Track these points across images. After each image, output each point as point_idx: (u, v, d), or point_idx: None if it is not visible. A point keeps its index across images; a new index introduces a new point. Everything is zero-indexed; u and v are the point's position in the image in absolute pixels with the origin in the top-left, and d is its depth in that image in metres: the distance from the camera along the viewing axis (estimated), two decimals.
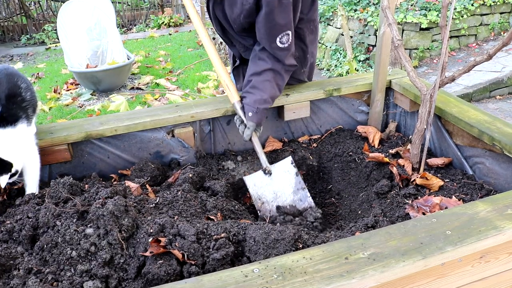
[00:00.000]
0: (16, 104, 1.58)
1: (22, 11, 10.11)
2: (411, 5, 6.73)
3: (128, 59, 5.87)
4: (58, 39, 7.73)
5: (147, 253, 1.22)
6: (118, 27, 7.26)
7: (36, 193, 1.52)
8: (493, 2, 6.77)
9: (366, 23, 6.65)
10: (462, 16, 6.63)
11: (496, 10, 6.93)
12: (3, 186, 1.49)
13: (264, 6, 1.72)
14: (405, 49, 6.43)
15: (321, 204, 2.03)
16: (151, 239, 1.25)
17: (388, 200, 1.73)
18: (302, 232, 1.38)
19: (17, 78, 1.61)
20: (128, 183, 1.67)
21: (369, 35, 6.66)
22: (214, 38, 7.50)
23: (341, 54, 6.94)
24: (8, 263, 1.25)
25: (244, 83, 1.95)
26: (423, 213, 1.57)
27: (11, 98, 1.56)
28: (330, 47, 7.15)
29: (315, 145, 2.15)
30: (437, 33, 6.49)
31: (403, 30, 6.45)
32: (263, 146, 2.09)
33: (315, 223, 1.73)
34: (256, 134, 1.89)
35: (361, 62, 6.62)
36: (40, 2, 10.47)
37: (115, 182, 1.78)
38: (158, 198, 1.56)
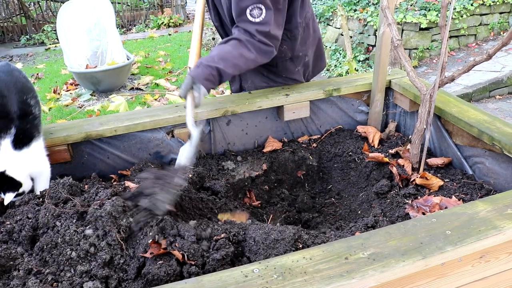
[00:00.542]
0: (29, 123, 1.55)
1: (21, 12, 10.11)
2: (411, 5, 6.74)
3: (128, 60, 5.87)
4: (57, 39, 7.74)
5: (147, 254, 1.22)
6: (117, 28, 7.25)
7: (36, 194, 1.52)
8: (493, 2, 6.78)
9: (365, 23, 6.65)
10: (461, 16, 6.64)
11: (495, 10, 6.93)
12: (6, 203, 1.49)
13: None
14: (405, 49, 6.43)
15: (321, 204, 2.03)
16: (150, 239, 1.25)
17: (388, 200, 1.73)
18: (302, 232, 1.38)
19: (26, 95, 1.56)
20: (128, 183, 1.67)
21: (369, 35, 6.66)
22: (213, 39, 7.50)
23: (340, 54, 6.95)
24: (8, 263, 1.25)
25: None
26: (423, 213, 1.57)
27: (24, 118, 1.53)
28: (330, 47, 7.15)
29: (315, 145, 2.15)
30: (436, 33, 6.50)
31: (402, 30, 6.46)
32: (263, 146, 2.09)
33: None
34: (193, 94, 1.69)
35: (360, 62, 6.62)
36: (40, 3, 10.47)
37: (115, 183, 1.78)
38: None
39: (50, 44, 9.20)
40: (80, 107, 5.35)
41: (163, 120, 1.88)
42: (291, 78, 2.15)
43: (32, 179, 1.60)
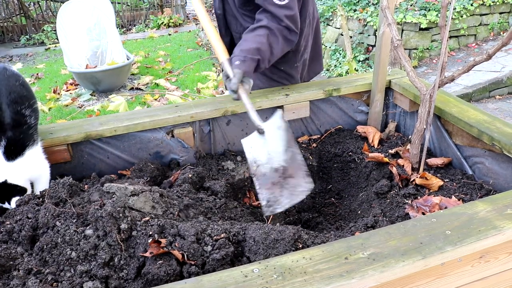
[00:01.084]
0: (22, 133, 1.53)
1: (21, 12, 10.11)
2: (411, 5, 6.74)
3: (128, 60, 5.87)
4: (57, 39, 7.74)
5: (147, 254, 1.22)
6: (117, 28, 7.25)
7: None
8: (493, 2, 6.78)
9: (365, 23, 6.65)
10: (461, 16, 6.64)
11: (495, 10, 6.93)
12: (14, 206, 1.50)
13: None
14: (405, 49, 6.43)
15: (320, 204, 2.03)
16: (150, 239, 1.25)
17: (388, 200, 1.73)
18: (302, 232, 1.38)
19: (21, 105, 1.54)
20: (127, 183, 1.67)
21: (369, 35, 6.67)
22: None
23: (340, 54, 6.95)
24: (8, 263, 1.25)
25: None
26: (423, 213, 1.57)
27: (17, 128, 1.52)
28: (330, 47, 7.15)
29: (314, 145, 2.15)
30: (436, 33, 6.50)
31: (402, 30, 6.46)
32: None
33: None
34: (244, 87, 1.70)
35: (360, 62, 6.62)
36: (40, 3, 10.47)
37: (115, 182, 1.78)
38: None
39: (50, 44, 9.20)
40: (80, 107, 5.35)
41: (163, 120, 1.88)
42: (288, 74, 2.15)
43: (32, 182, 1.60)
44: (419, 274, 1.10)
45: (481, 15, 6.87)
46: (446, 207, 1.54)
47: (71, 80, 6.26)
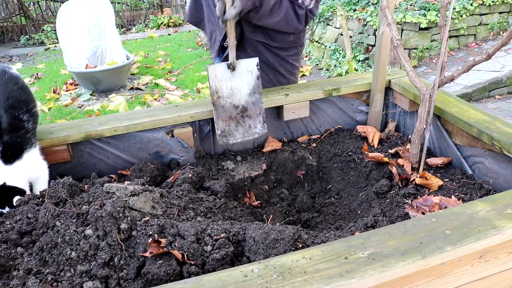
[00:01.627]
0: (19, 137, 1.53)
1: (21, 12, 10.11)
2: (410, 5, 6.74)
3: (128, 60, 5.88)
4: (57, 39, 7.74)
5: (147, 254, 1.22)
6: (117, 28, 7.25)
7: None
8: (492, 2, 6.78)
9: (365, 23, 6.65)
10: (461, 16, 6.64)
11: (495, 10, 6.94)
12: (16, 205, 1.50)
13: None
14: (404, 49, 6.43)
15: (320, 204, 2.03)
16: (150, 239, 1.25)
17: (388, 200, 1.73)
18: (302, 232, 1.38)
19: (18, 110, 1.53)
20: (127, 183, 1.67)
21: (368, 35, 6.67)
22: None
23: (340, 54, 6.95)
24: (8, 263, 1.25)
25: None
26: (423, 213, 1.57)
27: (14, 133, 1.52)
28: (330, 47, 7.15)
29: (314, 145, 2.15)
30: (436, 32, 6.50)
31: (402, 30, 6.46)
32: (263, 146, 2.09)
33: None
34: (233, 21, 1.76)
35: (360, 62, 6.62)
36: (39, 3, 10.47)
37: (114, 182, 1.78)
38: None
39: (49, 44, 9.20)
40: (80, 107, 5.35)
41: (162, 120, 1.88)
42: (295, 66, 2.21)
43: (31, 184, 1.60)
44: (419, 274, 1.10)
45: (481, 15, 6.87)
46: (446, 207, 1.54)
47: (71, 80, 6.26)
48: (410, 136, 2.03)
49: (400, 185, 1.79)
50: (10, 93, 1.53)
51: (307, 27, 2.18)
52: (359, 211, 1.86)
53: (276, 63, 2.17)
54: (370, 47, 6.70)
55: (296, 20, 1.97)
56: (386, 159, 1.90)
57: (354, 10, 7.00)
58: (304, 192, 2.06)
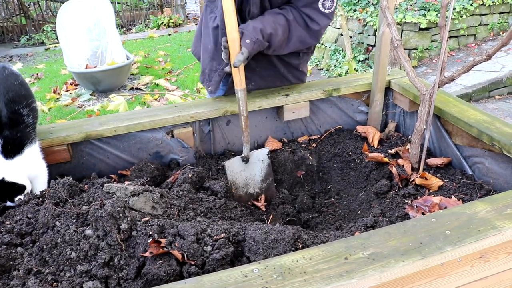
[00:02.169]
0: (19, 132, 1.53)
1: (21, 12, 10.11)
2: (410, 5, 6.74)
3: (128, 60, 5.88)
4: (57, 39, 7.74)
5: (147, 254, 1.22)
6: (117, 28, 7.25)
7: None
8: (492, 2, 6.78)
9: (365, 23, 6.65)
10: (461, 16, 6.64)
11: (495, 10, 6.94)
12: (17, 203, 1.50)
13: None
14: (405, 49, 6.43)
15: (320, 204, 2.03)
16: (150, 239, 1.25)
17: (388, 200, 1.73)
18: (302, 232, 1.38)
19: (18, 105, 1.54)
20: (127, 183, 1.67)
21: (369, 35, 6.67)
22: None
23: (340, 54, 6.95)
24: (8, 263, 1.25)
25: None
26: (423, 213, 1.57)
27: (14, 127, 1.52)
28: (330, 47, 7.15)
29: (314, 145, 2.15)
30: (436, 33, 6.50)
31: (402, 30, 6.46)
32: (263, 146, 2.09)
33: None
34: (243, 64, 1.75)
35: (360, 62, 6.62)
36: (40, 3, 10.47)
37: (114, 183, 1.78)
38: None
39: (50, 44, 9.20)
40: (80, 107, 5.36)
41: (163, 120, 1.88)
42: (302, 71, 2.17)
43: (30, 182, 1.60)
44: (419, 274, 1.10)
45: (481, 15, 6.87)
46: (445, 207, 1.54)
47: (71, 80, 6.26)
48: (410, 136, 2.03)
49: (400, 186, 1.79)
50: (10, 88, 1.54)
51: None
52: (359, 211, 1.86)
53: (286, 71, 2.11)
54: (370, 48, 6.70)
55: (310, 38, 1.89)
56: (386, 159, 1.90)
57: (354, 11, 7.00)
58: (304, 192, 2.06)
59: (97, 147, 1.86)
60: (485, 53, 1.51)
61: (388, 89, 2.17)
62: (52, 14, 10.30)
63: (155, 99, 5.15)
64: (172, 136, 1.94)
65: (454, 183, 1.72)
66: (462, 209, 1.25)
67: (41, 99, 5.55)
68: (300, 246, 1.29)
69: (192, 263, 1.22)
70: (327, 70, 6.94)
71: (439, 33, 6.21)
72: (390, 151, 1.98)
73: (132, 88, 5.92)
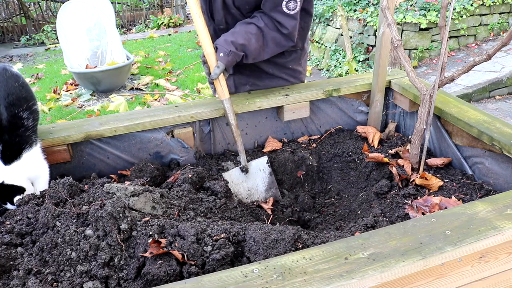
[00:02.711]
0: (18, 136, 1.52)
1: (21, 12, 10.12)
2: (411, 6, 6.74)
3: (128, 60, 5.88)
4: (57, 39, 7.75)
5: (147, 254, 1.22)
6: (117, 28, 7.25)
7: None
8: (492, 2, 6.78)
9: (365, 24, 6.65)
10: (461, 17, 6.64)
11: (495, 11, 6.93)
12: (16, 204, 1.50)
13: None
14: (405, 49, 6.43)
15: (320, 204, 2.03)
16: (150, 239, 1.25)
17: (388, 200, 1.73)
18: (302, 232, 1.38)
19: (18, 108, 1.52)
20: (127, 183, 1.67)
21: (369, 36, 6.67)
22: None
23: (340, 54, 6.95)
24: (8, 263, 1.25)
25: None
26: (423, 213, 1.57)
27: (13, 131, 1.51)
28: (330, 48, 7.15)
29: (314, 145, 2.15)
30: (436, 33, 6.50)
31: (402, 30, 6.46)
32: (263, 146, 2.09)
33: None
34: (225, 76, 1.84)
35: (360, 63, 6.62)
36: (40, 3, 10.47)
37: (114, 183, 1.78)
38: None
39: (50, 44, 9.21)
40: (80, 107, 5.36)
41: (163, 120, 1.88)
42: (296, 70, 2.17)
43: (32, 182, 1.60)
44: (419, 274, 1.10)
45: (481, 15, 6.87)
46: (446, 207, 1.54)
47: (71, 80, 6.26)
48: (410, 137, 2.03)
49: (400, 186, 1.79)
50: (10, 90, 1.53)
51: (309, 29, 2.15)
52: (359, 212, 1.86)
53: (276, 70, 2.14)
54: (370, 48, 6.70)
55: (286, 41, 1.92)
56: (386, 160, 1.90)
57: (354, 11, 7.00)
58: (304, 192, 2.06)
59: (97, 147, 1.86)
60: (485, 53, 1.51)
61: (388, 89, 2.17)
62: (52, 14, 10.31)
63: (155, 99, 5.15)
64: (172, 136, 1.94)
65: (454, 183, 1.72)
66: (462, 209, 1.25)
67: (41, 99, 5.55)
68: (300, 246, 1.29)
69: (192, 263, 1.22)
70: (327, 70, 6.94)
71: (439, 33, 6.21)
72: (390, 151, 1.98)
73: (132, 88, 5.92)
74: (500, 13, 7.00)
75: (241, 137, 1.90)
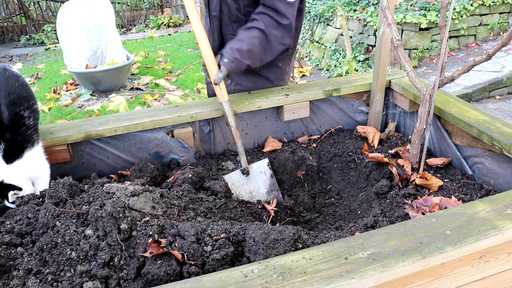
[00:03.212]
0: (20, 135, 1.53)
1: (21, 12, 10.12)
2: (411, 5, 6.74)
3: (128, 60, 5.88)
4: (57, 39, 7.75)
5: (147, 254, 1.22)
6: (117, 28, 7.25)
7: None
8: (492, 2, 6.78)
9: (365, 23, 6.65)
10: (461, 16, 6.64)
11: (495, 10, 6.93)
12: (11, 201, 1.50)
13: None
14: (405, 49, 6.43)
15: (320, 204, 2.03)
16: (150, 239, 1.25)
17: (388, 200, 1.73)
18: (302, 232, 1.38)
19: (19, 107, 1.53)
20: (127, 183, 1.67)
21: (369, 35, 6.66)
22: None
23: (340, 54, 6.95)
24: (8, 263, 1.25)
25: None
26: (423, 213, 1.57)
27: (15, 130, 1.51)
28: (330, 47, 7.15)
29: (314, 145, 2.15)
30: (436, 33, 6.50)
31: (402, 30, 6.46)
32: (263, 146, 2.09)
33: None
34: (225, 82, 1.86)
35: (360, 62, 6.62)
36: (40, 3, 10.47)
37: (114, 183, 1.78)
38: None
39: (50, 44, 9.20)
40: (80, 107, 5.35)
41: (162, 120, 1.88)
42: (284, 71, 2.17)
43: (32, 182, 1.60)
44: (419, 274, 1.10)
45: (481, 15, 6.86)
46: (446, 207, 1.54)
47: (71, 80, 6.26)
48: (410, 137, 2.03)
49: (400, 186, 1.79)
50: (11, 90, 1.54)
51: (301, 28, 2.16)
52: (359, 212, 1.86)
53: (264, 69, 2.11)
54: (370, 48, 6.70)
55: (287, 35, 1.93)
56: (386, 160, 1.90)
57: (354, 11, 7.00)
58: (304, 192, 2.06)
59: (97, 147, 1.86)
60: (485, 53, 1.51)
61: (388, 89, 2.16)
62: (52, 14, 10.30)
63: (155, 99, 5.15)
64: (172, 136, 1.94)
65: (454, 183, 1.72)
66: (462, 209, 1.25)
67: (41, 99, 5.55)
68: (300, 246, 1.29)
69: (192, 263, 1.22)
70: (327, 70, 6.94)
71: (439, 33, 6.21)
72: (390, 151, 1.98)
73: (132, 88, 5.92)
74: (500, 13, 7.00)
75: (241, 139, 1.90)
